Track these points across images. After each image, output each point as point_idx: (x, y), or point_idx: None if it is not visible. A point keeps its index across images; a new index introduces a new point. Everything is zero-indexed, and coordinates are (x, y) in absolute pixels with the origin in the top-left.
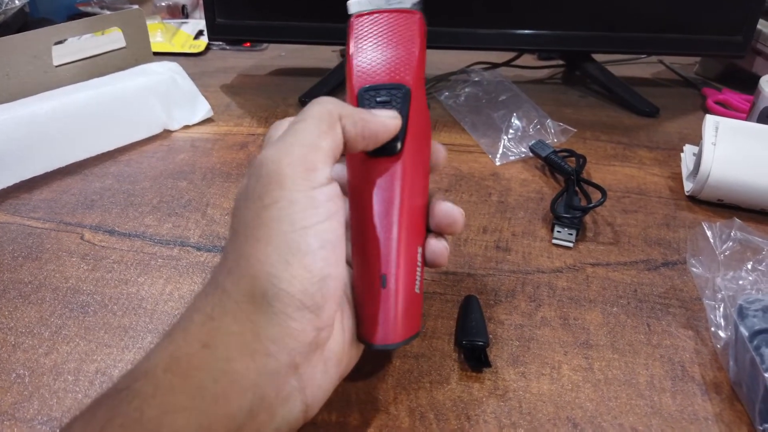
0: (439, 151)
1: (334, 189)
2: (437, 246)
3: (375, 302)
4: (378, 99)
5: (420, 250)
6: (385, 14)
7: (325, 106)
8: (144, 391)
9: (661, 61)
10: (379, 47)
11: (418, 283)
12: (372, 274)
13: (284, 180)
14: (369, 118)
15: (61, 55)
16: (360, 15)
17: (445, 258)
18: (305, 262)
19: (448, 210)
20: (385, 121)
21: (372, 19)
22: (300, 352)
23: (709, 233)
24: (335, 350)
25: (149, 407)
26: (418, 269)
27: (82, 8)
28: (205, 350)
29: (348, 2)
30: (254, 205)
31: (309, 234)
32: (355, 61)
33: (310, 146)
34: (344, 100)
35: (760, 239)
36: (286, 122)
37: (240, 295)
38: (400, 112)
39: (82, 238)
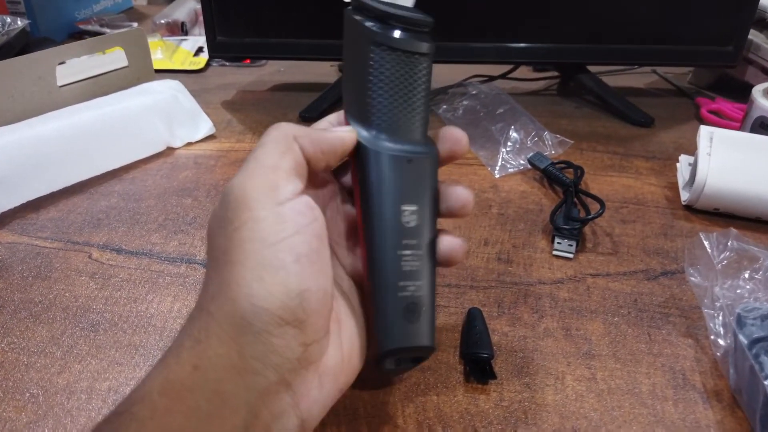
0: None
1: (303, 203)
2: (453, 243)
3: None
4: None
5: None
6: None
7: (280, 130)
8: (142, 414)
9: (654, 71)
10: None
11: None
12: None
13: (250, 201)
14: (325, 135)
15: (64, 75)
16: None
17: (460, 254)
18: (279, 277)
19: (459, 193)
20: (342, 135)
21: None
22: (289, 369)
23: (706, 243)
24: (331, 366)
25: (147, 430)
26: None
27: (82, 27)
28: (196, 372)
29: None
30: (225, 230)
31: (280, 249)
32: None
33: (271, 167)
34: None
35: (756, 248)
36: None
37: (223, 318)
38: None
39: (90, 257)
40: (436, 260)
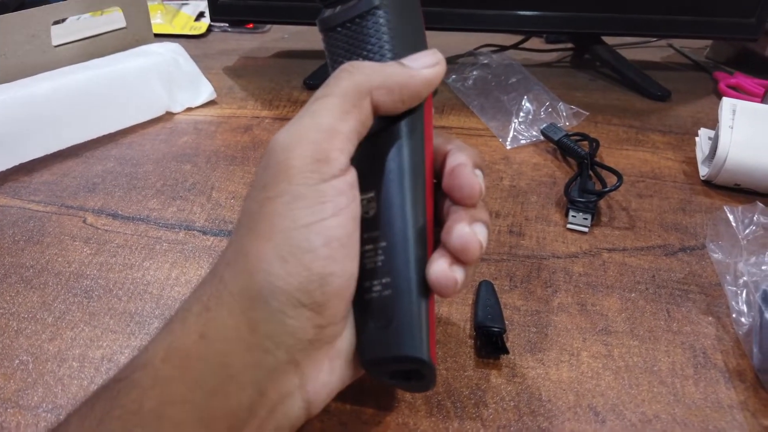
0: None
1: (348, 179)
2: (443, 273)
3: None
4: None
5: None
6: None
7: (353, 79)
8: (143, 382)
9: (670, 45)
10: None
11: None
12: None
13: (291, 171)
14: (406, 81)
15: (59, 35)
16: None
17: (449, 289)
18: (304, 260)
19: (458, 234)
20: (428, 76)
21: None
22: (300, 350)
23: (731, 217)
24: (345, 350)
25: (148, 399)
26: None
27: None
28: (202, 341)
29: None
30: (259, 195)
31: (312, 231)
32: None
33: (327, 131)
34: None
35: None
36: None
37: (236, 289)
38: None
39: (84, 221)
40: (422, 251)
